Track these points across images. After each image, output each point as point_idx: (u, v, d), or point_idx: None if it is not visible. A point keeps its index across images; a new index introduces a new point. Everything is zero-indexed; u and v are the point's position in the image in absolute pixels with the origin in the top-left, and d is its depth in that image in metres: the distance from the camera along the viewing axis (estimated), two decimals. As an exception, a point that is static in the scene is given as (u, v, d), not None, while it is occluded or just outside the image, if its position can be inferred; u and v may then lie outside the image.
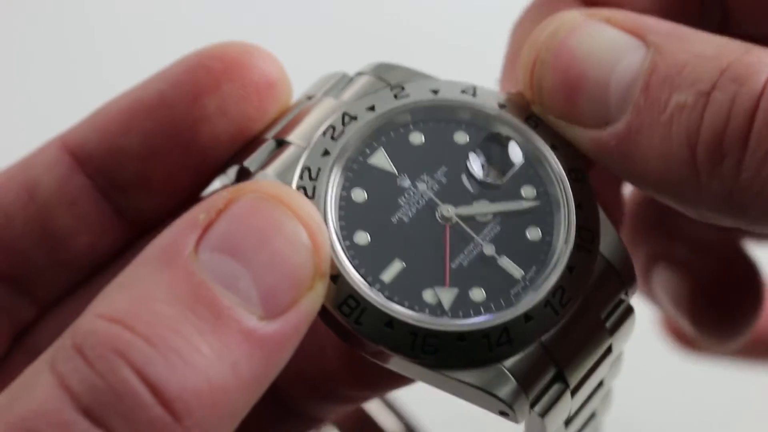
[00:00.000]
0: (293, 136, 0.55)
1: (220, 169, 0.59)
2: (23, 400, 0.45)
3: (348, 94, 0.56)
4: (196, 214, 0.49)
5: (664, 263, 0.72)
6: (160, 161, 0.58)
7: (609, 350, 0.55)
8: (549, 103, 0.55)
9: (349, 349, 0.53)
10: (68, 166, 0.59)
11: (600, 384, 0.57)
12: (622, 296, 0.55)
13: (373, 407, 0.80)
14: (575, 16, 0.55)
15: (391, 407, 0.81)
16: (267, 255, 0.48)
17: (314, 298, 0.50)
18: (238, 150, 0.57)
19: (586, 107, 0.54)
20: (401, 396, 0.79)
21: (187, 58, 0.58)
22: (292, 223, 0.49)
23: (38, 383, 0.46)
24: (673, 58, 0.52)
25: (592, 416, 0.60)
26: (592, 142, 0.54)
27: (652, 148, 0.52)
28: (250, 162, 0.55)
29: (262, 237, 0.49)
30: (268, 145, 0.56)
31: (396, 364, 0.52)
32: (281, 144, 0.55)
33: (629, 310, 0.56)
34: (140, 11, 1.06)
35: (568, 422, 0.56)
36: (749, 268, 0.73)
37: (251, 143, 0.57)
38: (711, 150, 0.51)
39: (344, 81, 0.57)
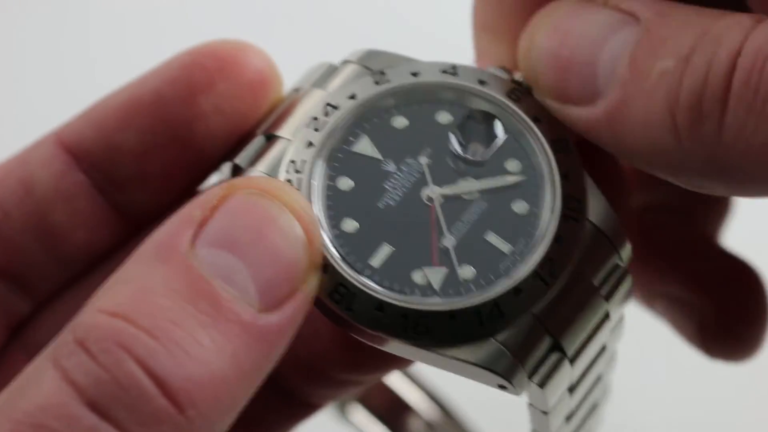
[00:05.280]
0: (281, 131, 0.56)
1: (215, 166, 0.59)
2: (28, 396, 0.46)
3: (334, 83, 0.57)
4: (191, 210, 0.50)
5: (663, 301, 0.71)
6: (157, 158, 0.59)
7: (607, 316, 0.55)
8: (543, 84, 0.55)
9: (344, 333, 0.53)
10: (64, 162, 0.59)
11: (602, 349, 0.57)
12: (616, 261, 0.55)
13: (399, 384, 0.80)
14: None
15: (417, 383, 0.81)
16: (263, 249, 0.49)
17: (309, 290, 0.51)
18: (232, 146, 0.58)
19: (575, 85, 0.54)
20: (427, 373, 0.79)
21: (182, 55, 0.59)
22: (286, 217, 0.50)
23: (42, 379, 0.46)
24: (658, 32, 0.52)
25: (598, 380, 0.60)
26: (583, 120, 0.54)
27: (636, 117, 0.52)
28: (241, 159, 0.56)
29: (257, 231, 0.49)
30: (258, 140, 0.56)
31: (392, 346, 0.53)
32: (270, 138, 0.56)
33: (624, 275, 0.56)
34: (135, 9, 1.07)
35: (572, 389, 0.57)
36: (751, 283, 0.70)
37: (243, 139, 0.58)
38: (691, 113, 0.51)
39: (330, 71, 0.58)
